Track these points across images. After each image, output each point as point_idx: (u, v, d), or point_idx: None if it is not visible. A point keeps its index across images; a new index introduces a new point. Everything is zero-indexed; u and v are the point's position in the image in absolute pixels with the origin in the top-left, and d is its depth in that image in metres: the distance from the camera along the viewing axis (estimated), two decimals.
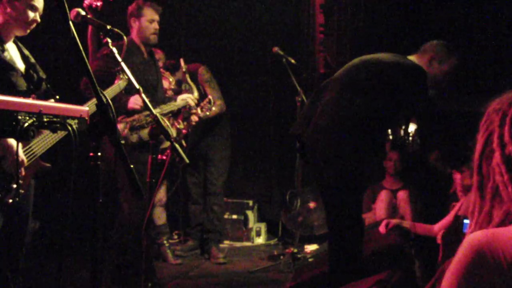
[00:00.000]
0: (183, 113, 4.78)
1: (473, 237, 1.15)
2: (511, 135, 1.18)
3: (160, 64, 4.73)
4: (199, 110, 4.48)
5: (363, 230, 3.13)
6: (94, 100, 3.33)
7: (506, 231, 1.14)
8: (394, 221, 4.09)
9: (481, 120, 1.27)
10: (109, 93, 3.12)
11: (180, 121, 4.39)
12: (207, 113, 4.50)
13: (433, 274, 3.01)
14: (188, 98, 4.17)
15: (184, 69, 4.69)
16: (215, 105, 4.61)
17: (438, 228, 3.76)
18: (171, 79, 4.54)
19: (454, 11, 5.93)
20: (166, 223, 4.94)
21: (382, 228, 3.98)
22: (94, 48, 3.70)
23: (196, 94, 4.39)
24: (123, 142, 3.56)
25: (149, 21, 3.92)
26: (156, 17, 3.97)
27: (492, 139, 1.22)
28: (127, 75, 2.71)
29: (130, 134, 3.62)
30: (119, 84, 3.19)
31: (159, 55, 4.79)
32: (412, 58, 3.13)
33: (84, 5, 3.54)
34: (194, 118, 4.50)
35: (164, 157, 3.77)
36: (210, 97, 4.56)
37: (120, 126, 3.62)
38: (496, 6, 5.55)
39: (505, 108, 1.22)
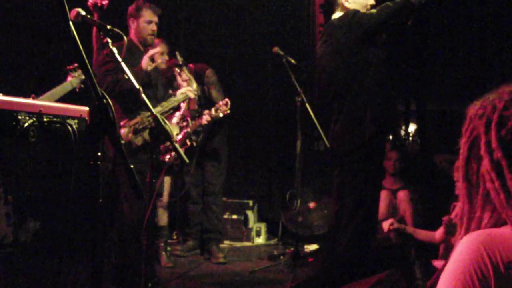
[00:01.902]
0: (191, 112, 4.81)
1: (470, 237, 1.15)
2: (498, 141, 1.18)
3: (166, 57, 4.65)
4: (213, 111, 4.52)
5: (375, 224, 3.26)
6: (72, 79, 3.35)
7: (501, 232, 1.14)
8: (397, 225, 4.10)
9: (463, 125, 1.26)
10: (59, 90, 3.12)
11: (188, 119, 4.43)
12: (220, 114, 4.54)
13: (433, 274, 3.01)
14: (187, 91, 4.16)
15: (180, 62, 4.67)
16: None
17: (440, 235, 3.76)
18: (194, 86, 4.48)
19: (454, 11, 5.93)
20: (166, 225, 4.93)
21: (385, 226, 4.00)
22: (99, 47, 3.69)
23: (194, 86, 4.38)
24: (123, 141, 3.56)
25: (147, 22, 3.93)
26: (155, 19, 3.97)
27: (478, 145, 1.21)
28: (127, 75, 2.71)
29: (135, 137, 3.62)
30: (70, 82, 3.22)
31: (162, 47, 4.70)
32: (338, 13, 3.40)
33: (89, 3, 3.53)
34: (207, 118, 4.54)
35: (167, 158, 3.79)
36: (227, 99, 4.59)
37: (124, 131, 3.62)
38: (496, 6, 5.55)
39: (488, 114, 1.21)
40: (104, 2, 3.53)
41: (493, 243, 1.11)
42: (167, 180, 4.94)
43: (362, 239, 3.16)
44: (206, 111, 4.62)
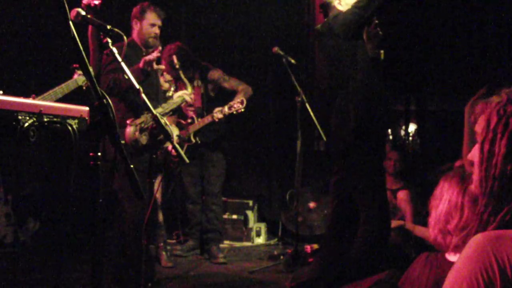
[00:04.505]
0: (196, 109, 4.82)
1: (479, 239, 1.13)
2: None
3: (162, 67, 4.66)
4: (226, 109, 4.55)
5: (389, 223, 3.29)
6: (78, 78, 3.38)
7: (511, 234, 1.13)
8: (396, 222, 4.10)
9: (487, 122, 1.24)
10: (65, 88, 3.14)
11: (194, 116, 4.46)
12: (234, 112, 4.56)
13: None
14: (184, 94, 4.19)
15: (177, 66, 4.68)
16: (241, 93, 4.70)
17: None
18: (190, 90, 4.45)
19: (454, 11, 5.92)
20: (162, 224, 4.92)
21: None
22: (95, 47, 3.70)
23: (190, 89, 4.39)
24: (123, 142, 3.57)
25: (150, 25, 3.97)
26: (158, 22, 4.01)
27: None
28: (127, 75, 2.71)
29: (140, 136, 3.65)
30: (76, 80, 3.23)
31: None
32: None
33: (83, 4, 3.54)
34: (218, 115, 4.57)
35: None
36: (243, 98, 4.61)
37: (130, 129, 3.65)
38: (496, 6, 5.55)
39: None
40: (96, 2, 3.53)
41: (502, 245, 1.09)
42: (159, 179, 4.93)
43: (378, 241, 3.17)
44: (218, 108, 4.63)
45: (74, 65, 3.22)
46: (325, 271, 3.29)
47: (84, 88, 3.33)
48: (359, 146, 3.18)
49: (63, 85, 3.18)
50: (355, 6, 3.20)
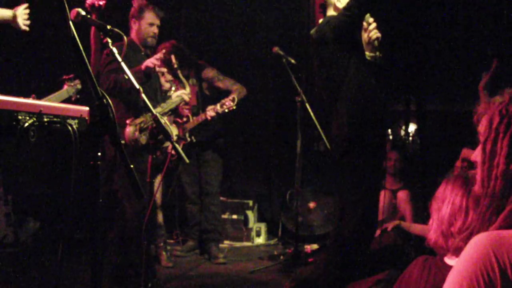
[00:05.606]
0: (191, 108, 4.83)
1: (480, 239, 1.13)
2: None
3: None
4: (218, 106, 4.56)
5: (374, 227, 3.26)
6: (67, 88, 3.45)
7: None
8: (392, 223, 4.10)
9: (489, 123, 1.24)
10: (55, 98, 3.20)
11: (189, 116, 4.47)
12: (226, 110, 4.57)
13: None
14: (183, 94, 4.20)
15: (176, 65, 4.69)
16: (235, 93, 4.71)
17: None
18: (188, 89, 4.45)
19: (454, 11, 5.93)
20: (162, 224, 4.92)
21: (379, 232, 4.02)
22: (97, 48, 3.71)
23: (188, 89, 4.40)
24: (122, 142, 3.57)
25: (149, 24, 3.98)
26: (157, 21, 4.02)
27: None
28: (127, 74, 2.71)
29: (140, 136, 3.66)
30: (67, 90, 3.29)
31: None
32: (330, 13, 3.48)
33: (86, 4, 3.55)
34: (211, 113, 4.58)
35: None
36: (234, 95, 4.62)
37: (130, 129, 3.66)
38: (496, 6, 5.55)
39: None
40: (101, 3, 3.54)
41: (503, 245, 1.09)
42: (158, 179, 4.94)
43: (360, 239, 3.16)
44: (211, 107, 4.65)
45: (65, 77, 3.29)
46: (326, 272, 3.28)
47: (73, 99, 3.40)
48: (355, 149, 3.17)
49: (54, 94, 3.24)
50: (344, 8, 3.20)
